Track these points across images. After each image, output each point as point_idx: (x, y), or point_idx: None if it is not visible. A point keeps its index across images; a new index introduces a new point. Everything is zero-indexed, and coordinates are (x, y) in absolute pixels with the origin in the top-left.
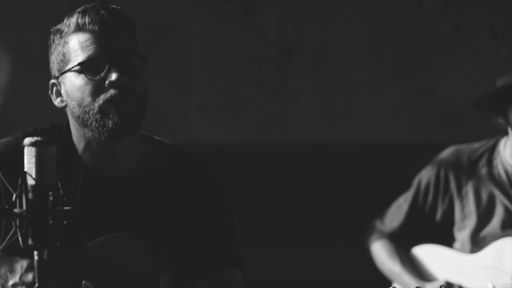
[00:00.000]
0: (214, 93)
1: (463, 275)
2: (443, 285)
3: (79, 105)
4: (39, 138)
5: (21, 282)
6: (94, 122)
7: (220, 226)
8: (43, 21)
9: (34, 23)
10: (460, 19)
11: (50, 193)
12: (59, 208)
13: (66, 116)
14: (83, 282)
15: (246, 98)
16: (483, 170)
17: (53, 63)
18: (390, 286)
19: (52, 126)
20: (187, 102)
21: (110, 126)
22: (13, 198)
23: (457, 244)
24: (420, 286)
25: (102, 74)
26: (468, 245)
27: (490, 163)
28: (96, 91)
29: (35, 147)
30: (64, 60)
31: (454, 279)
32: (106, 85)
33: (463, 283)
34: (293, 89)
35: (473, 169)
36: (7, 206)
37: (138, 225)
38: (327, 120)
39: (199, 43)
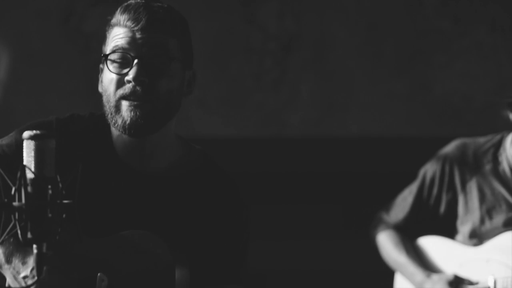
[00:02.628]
0: (213, 87)
1: (465, 267)
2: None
3: (104, 93)
4: (38, 132)
5: (32, 275)
6: (110, 115)
7: (234, 243)
8: (43, 15)
9: (33, 17)
10: (459, 13)
11: (49, 186)
12: (58, 201)
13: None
14: (98, 274)
15: (245, 91)
16: (488, 166)
17: (103, 45)
18: (390, 278)
19: (90, 115)
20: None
21: (119, 123)
22: (12, 192)
23: (459, 237)
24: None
25: (125, 70)
26: (469, 240)
27: (495, 159)
28: (117, 85)
29: (34, 141)
30: (103, 47)
31: (456, 271)
32: (125, 81)
33: (465, 276)
34: (292, 83)
35: (478, 164)
36: (6, 200)
37: (157, 222)
38: (326, 114)
39: (198, 36)
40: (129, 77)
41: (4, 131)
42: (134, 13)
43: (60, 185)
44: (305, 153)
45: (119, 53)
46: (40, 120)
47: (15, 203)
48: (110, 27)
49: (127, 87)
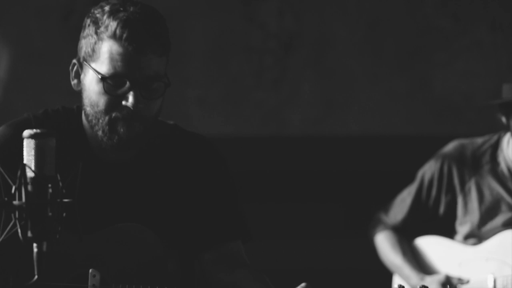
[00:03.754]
0: (214, 85)
1: (465, 266)
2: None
3: (92, 107)
4: (38, 130)
5: None
6: (101, 131)
7: (219, 197)
8: (43, 13)
9: (33, 16)
10: (459, 11)
11: (50, 185)
12: (58, 200)
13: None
14: (90, 270)
15: (246, 90)
16: (487, 167)
17: (82, 46)
18: (390, 278)
19: (63, 109)
20: (186, 94)
21: (114, 141)
22: (13, 190)
23: (458, 238)
24: (426, 286)
25: (120, 92)
26: (469, 240)
27: (493, 160)
28: (110, 105)
29: (34, 139)
30: (92, 55)
31: (455, 271)
32: (121, 103)
33: (464, 275)
34: (293, 81)
35: (477, 165)
36: (6, 198)
37: (140, 208)
38: (327, 112)
39: (198, 35)
40: (128, 103)
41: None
42: (135, 33)
43: (61, 184)
44: (305, 151)
45: (117, 76)
46: (16, 119)
47: (15, 202)
48: (103, 38)
49: (125, 112)
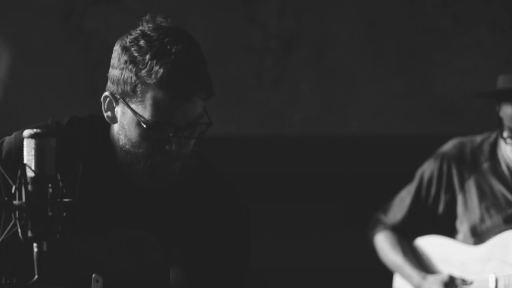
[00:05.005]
0: (214, 85)
1: (466, 266)
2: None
3: (132, 146)
4: (38, 130)
5: None
6: (142, 172)
7: (236, 248)
8: (43, 13)
9: (34, 16)
10: (459, 11)
11: (50, 185)
12: (59, 200)
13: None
14: (93, 275)
15: (246, 90)
16: (486, 165)
17: (116, 80)
18: (390, 277)
19: (90, 118)
20: None
21: (155, 181)
22: (13, 190)
23: (459, 237)
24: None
25: (163, 138)
26: (470, 239)
27: (493, 157)
28: (153, 150)
29: (35, 139)
30: (132, 96)
31: (456, 271)
32: (164, 147)
33: (465, 275)
34: (293, 81)
35: (476, 163)
36: (6, 198)
37: (152, 231)
38: (327, 112)
39: (198, 35)
40: (172, 149)
41: (4, 129)
42: (180, 81)
43: (61, 184)
44: (306, 151)
45: (162, 124)
46: (38, 124)
47: (16, 202)
48: (147, 84)
49: (168, 157)
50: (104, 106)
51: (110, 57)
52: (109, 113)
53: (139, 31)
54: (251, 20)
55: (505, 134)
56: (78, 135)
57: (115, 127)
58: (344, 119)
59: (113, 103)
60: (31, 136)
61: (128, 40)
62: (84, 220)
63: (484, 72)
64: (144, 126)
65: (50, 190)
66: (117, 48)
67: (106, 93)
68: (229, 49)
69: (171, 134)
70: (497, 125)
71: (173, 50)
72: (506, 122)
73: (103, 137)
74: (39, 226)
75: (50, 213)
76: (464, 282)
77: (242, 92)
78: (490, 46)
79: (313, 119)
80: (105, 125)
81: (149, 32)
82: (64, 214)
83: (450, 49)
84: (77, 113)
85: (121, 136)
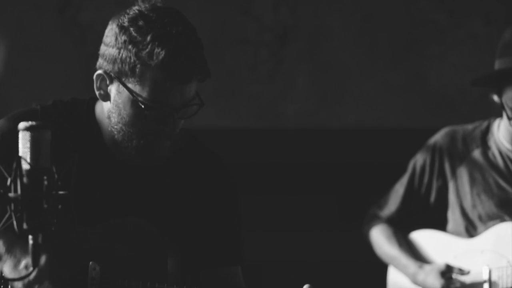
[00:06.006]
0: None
1: (460, 259)
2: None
3: (125, 126)
4: (33, 123)
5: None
6: (134, 150)
7: (227, 222)
8: (38, 6)
9: (29, 9)
10: (454, 5)
11: (45, 177)
12: (54, 192)
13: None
14: (90, 263)
15: (241, 82)
16: (477, 151)
17: (113, 59)
18: (384, 269)
19: (73, 101)
20: None
21: (146, 159)
22: (8, 183)
23: (450, 226)
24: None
25: (159, 117)
26: (462, 226)
27: (484, 144)
28: (147, 129)
29: (30, 132)
30: (130, 75)
31: (450, 263)
32: (158, 126)
33: (460, 267)
34: (288, 74)
35: (467, 150)
36: (2, 191)
37: (149, 210)
38: (322, 105)
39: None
40: (167, 128)
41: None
42: (181, 64)
43: (56, 176)
44: (300, 144)
45: (160, 105)
46: (25, 109)
47: (11, 194)
48: (147, 64)
49: (161, 135)
50: (97, 84)
51: None
52: (101, 91)
53: (136, 11)
54: (246, 13)
55: (510, 114)
56: (61, 116)
57: (106, 106)
58: (339, 112)
59: (106, 81)
60: (26, 129)
61: (126, 19)
62: (77, 203)
63: (478, 65)
64: (142, 106)
65: (46, 182)
66: (113, 27)
67: (100, 71)
68: (224, 42)
69: (167, 112)
70: (496, 115)
71: (174, 31)
72: (510, 104)
73: (87, 118)
74: (35, 218)
75: (46, 206)
76: (461, 271)
77: (237, 85)
78: (484, 39)
79: (308, 112)
80: (89, 107)
81: (147, 12)
82: (60, 206)
83: (444, 42)
84: None
85: (113, 115)
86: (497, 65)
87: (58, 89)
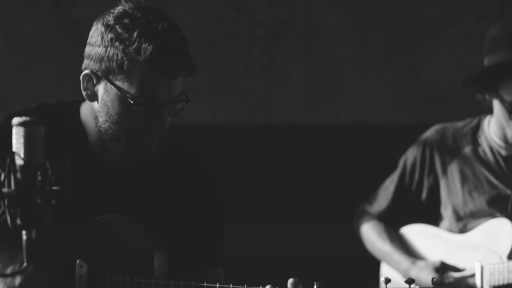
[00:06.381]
0: (202, 74)
1: (452, 254)
2: (435, 278)
3: (113, 124)
4: (27, 118)
5: (21, 269)
6: (122, 148)
7: (210, 223)
8: (32, 1)
9: (22, 4)
10: (447, 0)
11: (39, 172)
12: (48, 187)
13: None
14: (77, 261)
15: (234, 78)
16: (468, 148)
17: (99, 57)
18: (377, 264)
19: (58, 104)
20: None
21: (134, 157)
22: (2, 178)
23: (444, 223)
24: (413, 279)
25: (147, 113)
26: (454, 223)
27: (474, 141)
28: (136, 126)
29: (24, 127)
30: (117, 72)
31: (443, 259)
32: (147, 123)
33: (451, 263)
34: (281, 70)
35: (458, 147)
36: None
37: (133, 209)
38: (315, 100)
39: (187, 23)
40: (155, 124)
41: None
42: (169, 59)
43: (50, 172)
44: (294, 139)
45: (148, 100)
46: (8, 111)
47: (5, 189)
48: (135, 60)
49: (150, 131)
50: (84, 84)
51: None
52: (88, 91)
53: (121, 10)
54: (239, 9)
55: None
56: (47, 118)
57: (93, 106)
58: (332, 107)
59: (93, 81)
60: (20, 124)
61: (111, 18)
62: (68, 205)
63: (471, 61)
64: (131, 102)
65: (39, 177)
66: (98, 27)
67: (86, 71)
68: (218, 38)
69: (155, 108)
70: (487, 112)
71: (160, 27)
72: (510, 97)
73: (72, 120)
74: (28, 214)
75: (39, 201)
76: (456, 269)
77: (231, 81)
78: (477, 35)
79: (301, 107)
80: (74, 109)
81: (131, 11)
82: (53, 201)
83: (437, 38)
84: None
85: (101, 114)
86: (487, 61)
87: (52, 84)
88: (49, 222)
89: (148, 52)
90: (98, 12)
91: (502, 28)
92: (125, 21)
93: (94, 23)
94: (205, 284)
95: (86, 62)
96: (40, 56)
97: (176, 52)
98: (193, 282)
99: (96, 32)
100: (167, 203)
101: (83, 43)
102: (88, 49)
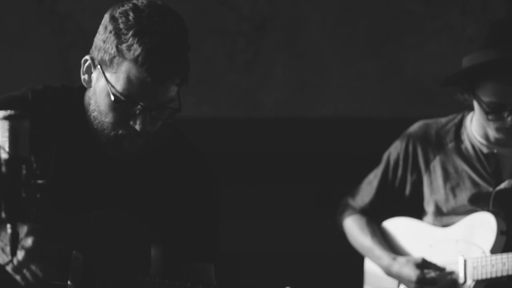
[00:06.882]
0: (189, 73)
1: (435, 248)
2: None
3: (100, 113)
4: (12, 112)
5: (21, 247)
6: (105, 139)
7: (206, 219)
8: None
9: None
10: None
11: (23, 166)
12: (32, 181)
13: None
14: (73, 252)
15: (219, 72)
16: (451, 145)
17: (99, 47)
18: (361, 258)
19: (63, 87)
20: None
21: (117, 152)
22: None
23: (427, 218)
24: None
25: (130, 112)
26: (437, 219)
27: (457, 137)
28: (118, 122)
29: (8, 121)
30: (108, 65)
31: (426, 252)
32: (129, 122)
33: (434, 256)
34: (266, 64)
35: (441, 143)
36: None
37: (130, 201)
38: (299, 94)
39: None
40: (136, 126)
41: None
42: (154, 64)
43: (35, 165)
44: (278, 133)
45: (131, 99)
46: (14, 93)
47: None
48: (124, 57)
49: (131, 131)
50: (83, 68)
51: (83, 40)
52: (86, 76)
53: (131, 4)
54: (224, 3)
55: (490, 116)
56: (53, 101)
57: (88, 93)
58: (317, 102)
59: (91, 67)
60: (5, 118)
61: (119, 10)
62: (60, 192)
63: (454, 55)
64: (112, 98)
65: (24, 171)
66: (106, 16)
67: (87, 57)
68: (203, 32)
69: (137, 112)
70: (469, 109)
71: (158, 30)
72: (486, 98)
73: (76, 105)
74: (13, 207)
75: (24, 194)
76: (437, 268)
77: (215, 75)
78: (461, 29)
79: (285, 101)
80: (78, 94)
81: (141, 7)
82: (38, 195)
83: (421, 33)
84: None
85: (91, 101)
86: (465, 62)
87: (36, 78)
88: (33, 216)
89: (136, 53)
90: (82, 7)
91: (479, 28)
92: (129, 16)
93: (108, 11)
94: (200, 286)
95: (92, 47)
96: (25, 50)
97: (167, 59)
98: (188, 284)
99: (104, 21)
100: (165, 196)
101: (68, 37)
102: (96, 35)
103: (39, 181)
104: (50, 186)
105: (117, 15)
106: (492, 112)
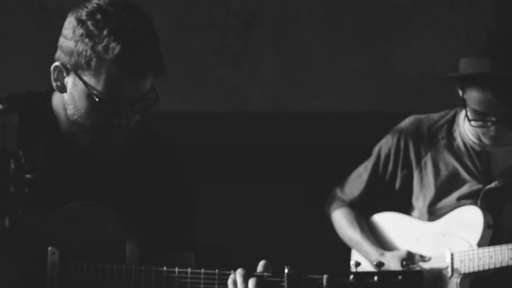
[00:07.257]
0: (175, 62)
1: (422, 242)
2: (404, 261)
3: (80, 117)
4: (0, 106)
5: None
6: (88, 141)
7: (180, 208)
8: None
9: None
10: None
11: (12, 160)
12: (20, 175)
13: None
14: (49, 248)
15: (207, 67)
16: (443, 142)
17: (70, 51)
18: (349, 252)
19: (29, 93)
20: None
21: (100, 151)
22: None
23: (414, 213)
24: (382, 262)
25: (113, 110)
26: (425, 215)
27: (449, 134)
28: (101, 122)
29: None
30: (85, 68)
31: (413, 246)
32: (112, 120)
33: (421, 250)
34: (254, 58)
35: (433, 140)
36: None
37: (105, 197)
38: (287, 89)
39: (160, 12)
40: (121, 122)
41: None
42: (136, 59)
43: (23, 160)
44: (266, 128)
45: (114, 98)
46: None
47: None
48: (103, 59)
49: (115, 128)
50: (54, 75)
51: None
52: (58, 82)
53: (95, 5)
54: None
55: (470, 116)
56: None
57: (63, 97)
58: (305, 96)
59: (63, 73)
60: None
61: (84, 13)
62: (39, 194)
63: (442, 50)
64: (97, 99)
65: (12, 165)
66: (71, 20)
67: (57, 63)
68: (191, 27)
69: (121, 105)
70: (461, 105)
71: (130, 27)
72: (471, 105)
73: (44, 109)
74: (1, 202)
75: (12, 189)
76: (422, 258)
77: (203, 69)
78: (448, 24)
79: (273, 96)
80: (45, 98)
81: (105, 7)
82: (26, 189)
83: (409, 27)
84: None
85: (69, 106)
86: (461, 65)
87: (25, 73)
88: (21, 210)
89: (116, 52)
90: (71, 1)
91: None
92: (97, 17)
93: (69, 14)
94: (176, 269)
95: (58, 53)
96: (13, 45)
97: (144, 53)
98: (164, 267)
99: (69, 25)
100: (139, 190)
101: (56, 32)
102: (61, 40)
103: (27, 176)
104: (38, 181)
105: (84, 17)
106: (476, 120)
